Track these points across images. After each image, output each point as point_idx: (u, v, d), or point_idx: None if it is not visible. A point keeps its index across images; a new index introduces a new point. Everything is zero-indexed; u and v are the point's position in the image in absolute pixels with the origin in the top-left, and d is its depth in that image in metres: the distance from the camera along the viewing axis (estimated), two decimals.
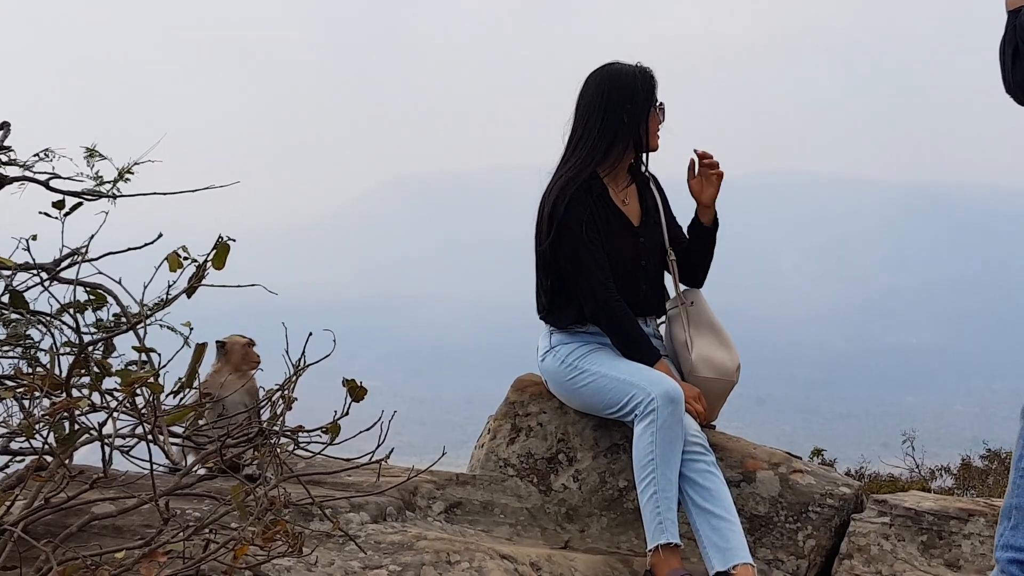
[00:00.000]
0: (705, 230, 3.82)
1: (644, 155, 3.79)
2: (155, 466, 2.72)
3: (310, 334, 2.76)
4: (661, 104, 3.71)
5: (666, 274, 3.87)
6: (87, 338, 2.91)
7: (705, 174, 3.76)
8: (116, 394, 2.74)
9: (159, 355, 2.96)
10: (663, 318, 3.91)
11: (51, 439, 2.63)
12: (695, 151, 3.78)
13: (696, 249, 3.85)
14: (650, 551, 3.32)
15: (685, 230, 3.88)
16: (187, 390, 3.00)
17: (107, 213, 3.44)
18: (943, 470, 9.31)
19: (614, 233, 3.68)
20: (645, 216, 3.78)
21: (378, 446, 2.80)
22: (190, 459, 3.18)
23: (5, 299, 3.06)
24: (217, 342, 3.52)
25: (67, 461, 2.61)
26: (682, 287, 3.86)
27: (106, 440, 2.59)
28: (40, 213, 3.23)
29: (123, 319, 3.17)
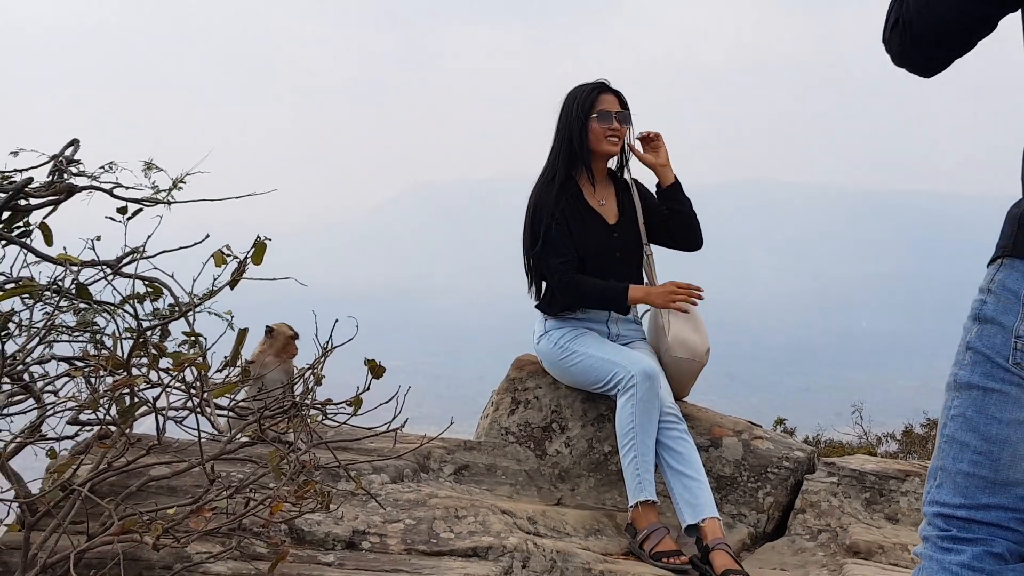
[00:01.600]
0: (669, 189, 3.74)
1: (587, 158, 3.68)
2: (203, 434, 2.72)
3: (336, 320, 2.77)
4: (602, 113, 3.62)
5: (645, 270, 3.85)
6: (145, 324, 2.92)
7: (648, 147, 3.74)
8: (170, 372, 2.75)
9: (206, 339, 2.97)
10: (645, 308, 3.89)
11: (113, 411, 2.64)
12: (638, 135, 3.75)
13: (672, 210, 3.76)
14: (631, 507, 3.33)
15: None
16: (231, 368, 3.01)
17: (162, 217, 3.44)
18: (889, 436, 9.28)
19: (588, 228, 3.66)
20: (622, 216, 3.76)
21: (394, 417, 2.80)
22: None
23: (74, 291, 3.06)
24: (267, 327, 3.50)
25: (127, 430, 2.61)
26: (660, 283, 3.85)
27: (161, 412, 2.60)
28: (105, 217, 3.24)
29: (176, 308, 3.18)
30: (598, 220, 3.69)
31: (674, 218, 3.77)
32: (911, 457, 8.07)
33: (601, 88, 3.68)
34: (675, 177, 3.75)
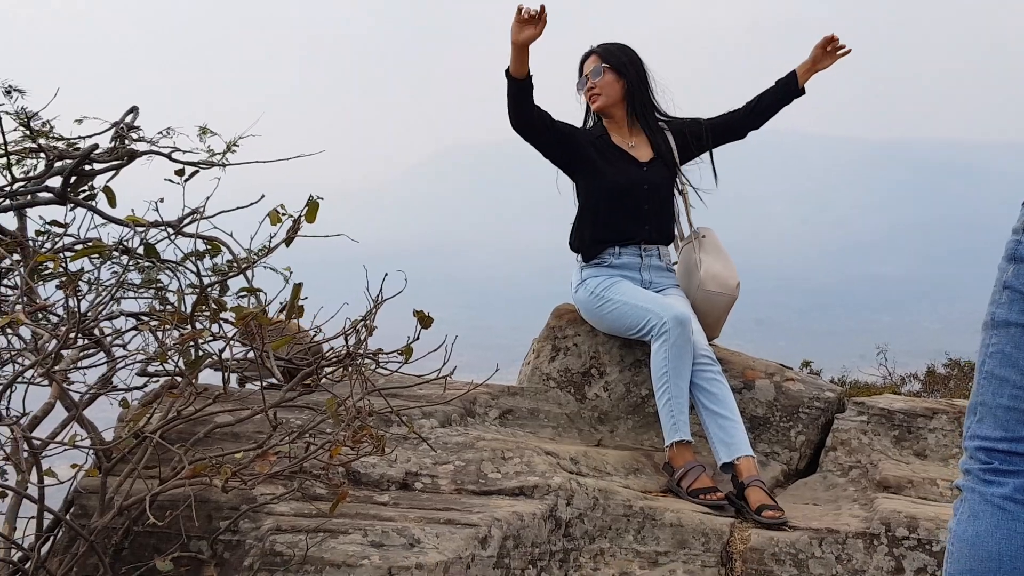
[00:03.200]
0: (797, 90, 3.77)
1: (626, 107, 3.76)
2: (264, 384, 2.75)
3: (386, 274, 2.76)
4: (581, 80, 3.80)
5: (681, 212, 3.83)
6: (206, 280, 2.93)
7: (831, 55, 3.72)
8: (231, 326, 2.77)
9: (264, 293, 2.97)
10: (673, 249, 3.86)
11: (180, 363, 2.66)
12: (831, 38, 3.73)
13: (774, 98, 3.79)
14: (667, 447, 3.33)
15: (775, 82, 3.83)
16: (288, 321, 3.02)
17: (219, 179, 3.45)
18: (912, 377, 9.16)
19: (615, 160, 3.71)
20: (656, 156, 3.75)
21: (443, 364, 2.80)
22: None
23: (141, 250, 3.08)
24: None
25: (194, 381, 2.64)
26: (695, 226, 3.82)
27: (225, 364, 2.63)
28: (165, 180, 3.25)
29: (235, 265, 3.19)
30: (627, 158, 3.73)
31: (766, 99, 3.79)
32: (934, 395, 7.98)
33: (585, 56, 3.83)
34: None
